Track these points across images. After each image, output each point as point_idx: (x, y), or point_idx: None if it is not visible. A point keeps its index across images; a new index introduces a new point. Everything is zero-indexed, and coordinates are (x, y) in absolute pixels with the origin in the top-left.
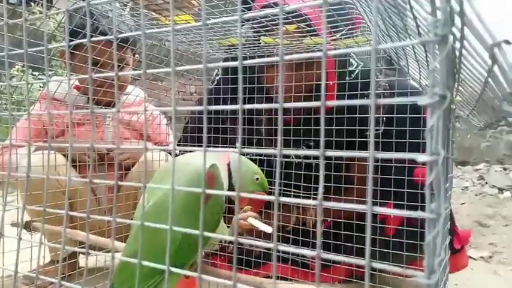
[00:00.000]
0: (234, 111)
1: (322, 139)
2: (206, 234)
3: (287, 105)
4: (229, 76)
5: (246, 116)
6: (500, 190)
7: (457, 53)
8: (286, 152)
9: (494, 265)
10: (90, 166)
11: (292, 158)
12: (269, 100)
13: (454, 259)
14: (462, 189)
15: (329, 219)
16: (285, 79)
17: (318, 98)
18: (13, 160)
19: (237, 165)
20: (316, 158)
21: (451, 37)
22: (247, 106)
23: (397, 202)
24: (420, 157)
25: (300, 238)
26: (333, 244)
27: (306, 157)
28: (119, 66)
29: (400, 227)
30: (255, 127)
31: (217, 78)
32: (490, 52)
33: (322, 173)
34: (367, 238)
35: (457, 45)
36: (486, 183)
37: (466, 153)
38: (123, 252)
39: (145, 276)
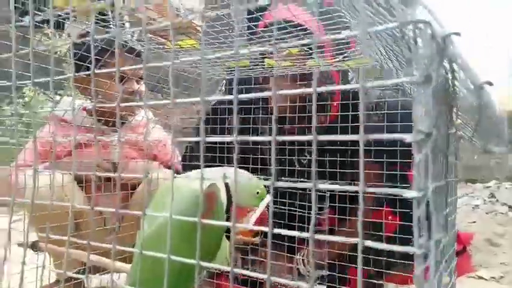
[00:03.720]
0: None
1: (313, 174)
2: (203, 263)
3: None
4: (236, 87)
5: (251, 126)
6: (511, 208)
7: (450, 77)
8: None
9: (506, 286)
10: (95, 185)
11: (296, 166)
12: (271, 113)
13: (456, 262)
14: (473, 208)
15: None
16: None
17: (320, 109)
18: (21, 181)
19: (237, 179)
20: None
21: (434, 75)
22: (241, 138)
23: (392, 209)
24: (407, 193)
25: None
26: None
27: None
28: (136, 81)
29: (394, 235)
30: (260, 145)
31: (222, 92)
32: (475, 92)
33: (314, 206)
34: (359, 222)
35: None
36: (497, 201)
37: (476, 170)
38: (127, 279)
39: None
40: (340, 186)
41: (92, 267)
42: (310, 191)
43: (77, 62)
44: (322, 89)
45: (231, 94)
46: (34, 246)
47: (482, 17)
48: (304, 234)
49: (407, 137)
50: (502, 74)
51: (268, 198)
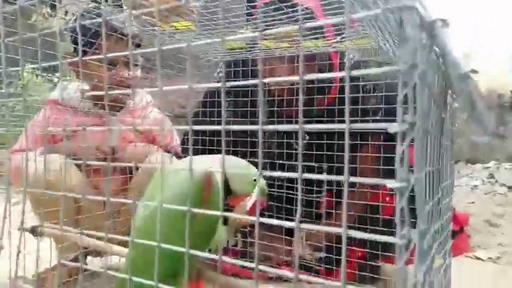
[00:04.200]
0: (237, 107)
1: (299, 166)
2: (192, 251)
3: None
4: (233, 69)
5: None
6: (510, 188)
7: (441, 61)
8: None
9: (503, 266)
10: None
11: (295, 148)
12: (270, 95)
13: (453, 242)
14: (471, 188)
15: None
16: (286, 74)
17: (319, 90)
18: (20, 164)
19: (233, 166)
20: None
21: (420, 65)
22: (233, 127)
23: (390, 191)
24: (390, 183)
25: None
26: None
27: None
28: (131, 65)
29: (392, 217)
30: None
31: (220, 76)
32: (461, 80)
33: (299, 196)
34: (343, 212)
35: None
36: (496, 181)
37: (476, 150)
38: (125, 261)
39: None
40: (326, 176)
41: (93, 251)
42: (308, 170)
43: (73, 45)
44: (311, 76)
45: (229, 77)
46: (34, 231)
47: None
48: (290, 224)
49: (390, 127)
50: (506, 56)
51: (262, 184)
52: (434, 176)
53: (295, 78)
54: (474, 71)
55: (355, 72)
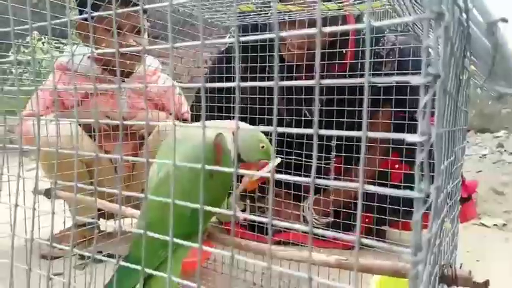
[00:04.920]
0: (244, 76)
1: (316, 117)
2: (207, 208)
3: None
4: (241, 40)
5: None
6: None
7: (465, 24)
8: (279, 130)
9: (508, 233)
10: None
11: (306, 115)
12: (283, 62)
13: (461, 208)
14: (480, 157)
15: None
16: (298, 39)
17: (332, 57)
18: (32, 129)
19: (242, 133)
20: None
21: (447, 14)
22: (245, 84)
23: (399, 158)
24: (410, 137)
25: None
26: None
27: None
28: (137, 32)
29: (400, 183)
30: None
31: (228, 44)
32: (489, 30)
33: (315, 152)
34: (361, 167)
35: (464, 16)
36: (505, 150)
37: (486, 120)
38: (137, 222)
39: (162, 245)
40: (342, 132)
41: (106, 214)
42: (313, 139)
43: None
44: (331, 29)
45: (242, 40)
46: (48, 193)
47: None
48: (305, 179)
49: (414, 79)
50: None
51: (279, 160)
52: (449, 138)
53: (312, 31)
54: (504, 20)
55: (376, 24)
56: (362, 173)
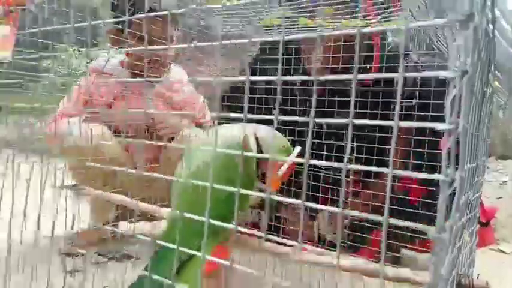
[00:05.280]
0: (268, 86)
1: (351, 109)
2: (243, 191)
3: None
4: (267, 54)
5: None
6: None
7: (491, 35)
8: (318, 120)
9: None
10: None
11: (324, 127)
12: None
13: (479, 233)
14: (501, 184)
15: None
16: (323, 53)
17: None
18: (63, 129)
19: (265, 136)
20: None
21: (477, 17)
22: (285, 78)
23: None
24: (439, 125)
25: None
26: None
27: (336, 129)
28: (165, 42)
29: (423, 200)
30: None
31: (254, 57)
32: None
33: (349, 144)
34: (387, 197)
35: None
36: None
37: (508, 146)
38: (168, 217)
39: (191, 237)
40: (375, 121)
41: (120, 215)
42: (336, 149)
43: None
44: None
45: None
46: (74, 188)
47: None
48: (339, 164)
49: (444, 74)
50: None
51: (296, 151)
52: (472, 141)
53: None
54: None
55: (412, 55)
56: (392, 157)
